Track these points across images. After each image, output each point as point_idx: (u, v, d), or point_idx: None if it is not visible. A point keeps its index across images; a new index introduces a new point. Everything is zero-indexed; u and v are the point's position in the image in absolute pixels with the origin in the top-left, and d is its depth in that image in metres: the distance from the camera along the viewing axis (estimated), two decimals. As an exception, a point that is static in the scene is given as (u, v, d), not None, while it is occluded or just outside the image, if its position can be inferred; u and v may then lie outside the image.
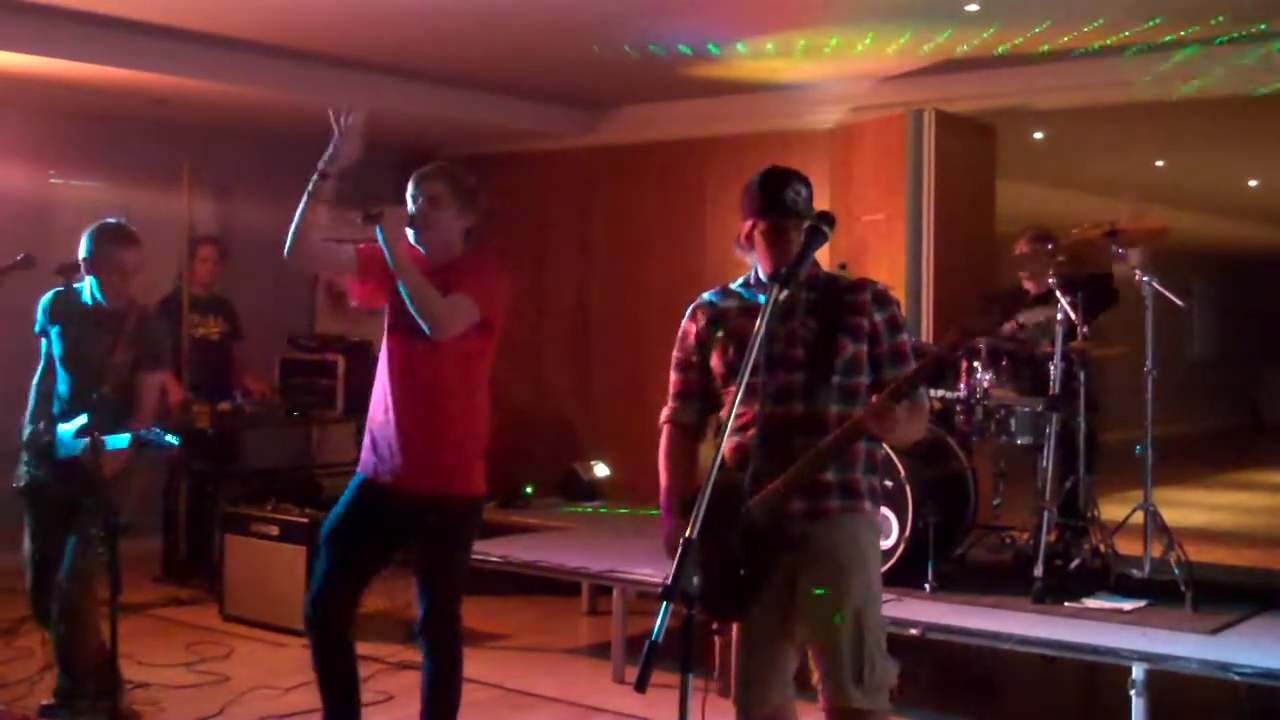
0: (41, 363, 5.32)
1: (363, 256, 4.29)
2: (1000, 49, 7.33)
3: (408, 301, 4.09)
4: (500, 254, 4.54)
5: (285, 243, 4.22)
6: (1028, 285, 6.68)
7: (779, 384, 3.45)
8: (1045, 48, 7.25)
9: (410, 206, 4.25)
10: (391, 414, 4.26)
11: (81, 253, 5.14)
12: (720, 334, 3.66)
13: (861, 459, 3.50)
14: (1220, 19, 6.55)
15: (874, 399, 3.30)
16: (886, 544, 5.75)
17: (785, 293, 3.19)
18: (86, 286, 5.18)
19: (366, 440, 4.37)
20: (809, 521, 3.44)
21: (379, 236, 4.07)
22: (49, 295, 5.31)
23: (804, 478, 3.37)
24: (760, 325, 3.07)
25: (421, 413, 4.24)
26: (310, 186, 4.19)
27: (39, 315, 5.31)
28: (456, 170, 4.41)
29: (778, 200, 3.48)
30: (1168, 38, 6.99)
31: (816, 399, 3.43)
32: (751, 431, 3.45)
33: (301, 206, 4.19)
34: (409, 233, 4.22)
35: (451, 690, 4.33)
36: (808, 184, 3.54)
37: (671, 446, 3.82)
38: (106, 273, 5.14)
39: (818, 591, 3.38)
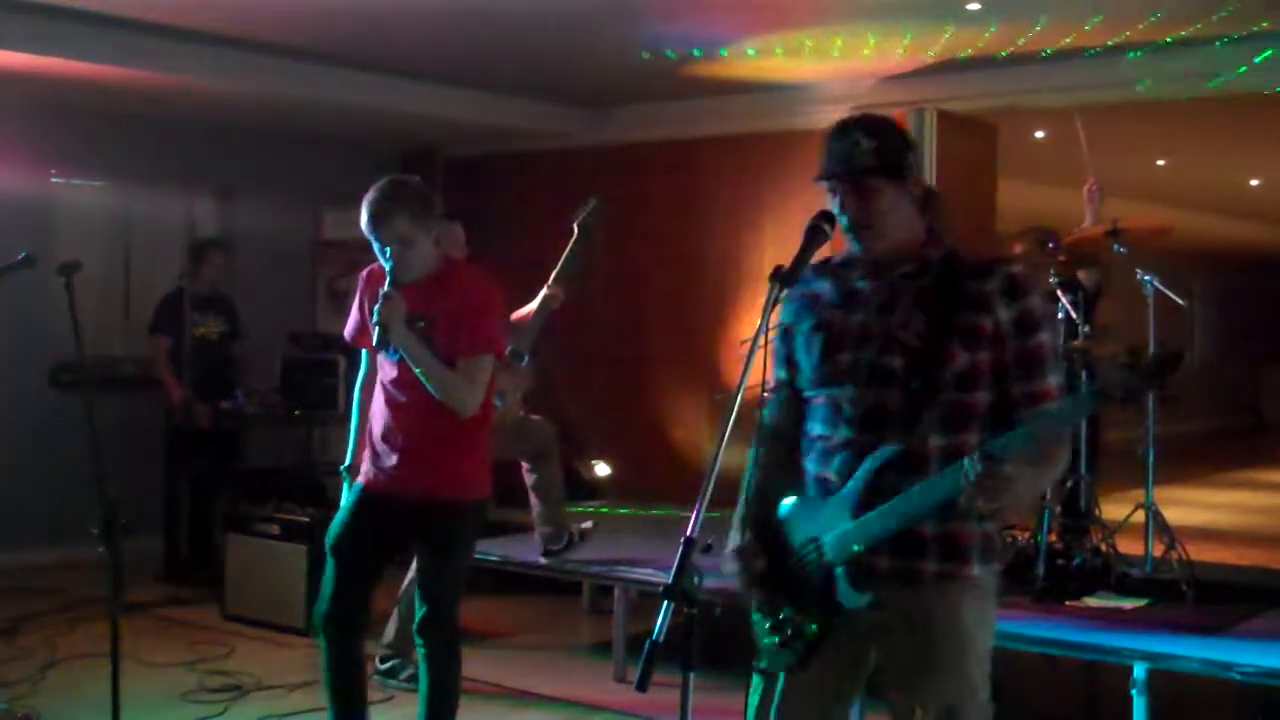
0: None
1: (365, 346, 4.41)
2: (1003, 52, 7.33)
3: (435, 393, 4.14)
4: (491, 256, 4.48)
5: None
6: None
7: (869, 403, 2.86)
8: (1049, 50, 7.25)
9: (380, 256, 4.15)
10: (394, 422, 4.27)
11: None
12: (807, 325, 3.05)
13: None
14: (1225, 13, 6.53)
15: (979, 466, 2.59)
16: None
17: (785, 291, 2.96)
18: None
19: (368, 449, 4.37)
20: (898, 585, 2.83)
21: (399, 352, 4.12)
22: None
23: (878, 536, 2.78)
24: (762, 324, 3.00)
25: (425, 420, 4.24)
26: None
27: None
28: (407, 192, 4.18)
29: (830, 156, 2.93)
30: (1169, 38, 6.99)
31: (915, 427, 2.78)
32: (836, 462, 2.90)
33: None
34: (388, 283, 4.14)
35: (451, 690, 4.34)
36: (875, 130, 2.90)
37: (752, 449, 3.08)
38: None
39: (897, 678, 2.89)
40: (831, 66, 7.93)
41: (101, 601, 5.29)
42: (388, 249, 4.13)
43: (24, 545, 8.09)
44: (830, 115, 8.94)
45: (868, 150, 2.87)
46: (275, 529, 6.86)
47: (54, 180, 8.71)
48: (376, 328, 4.07)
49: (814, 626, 2.88)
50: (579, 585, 7.31)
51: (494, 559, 6.61)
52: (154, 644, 6.45)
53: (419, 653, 4.34)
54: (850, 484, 2.84)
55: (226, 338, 8.35)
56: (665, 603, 2.62)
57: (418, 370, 4.12)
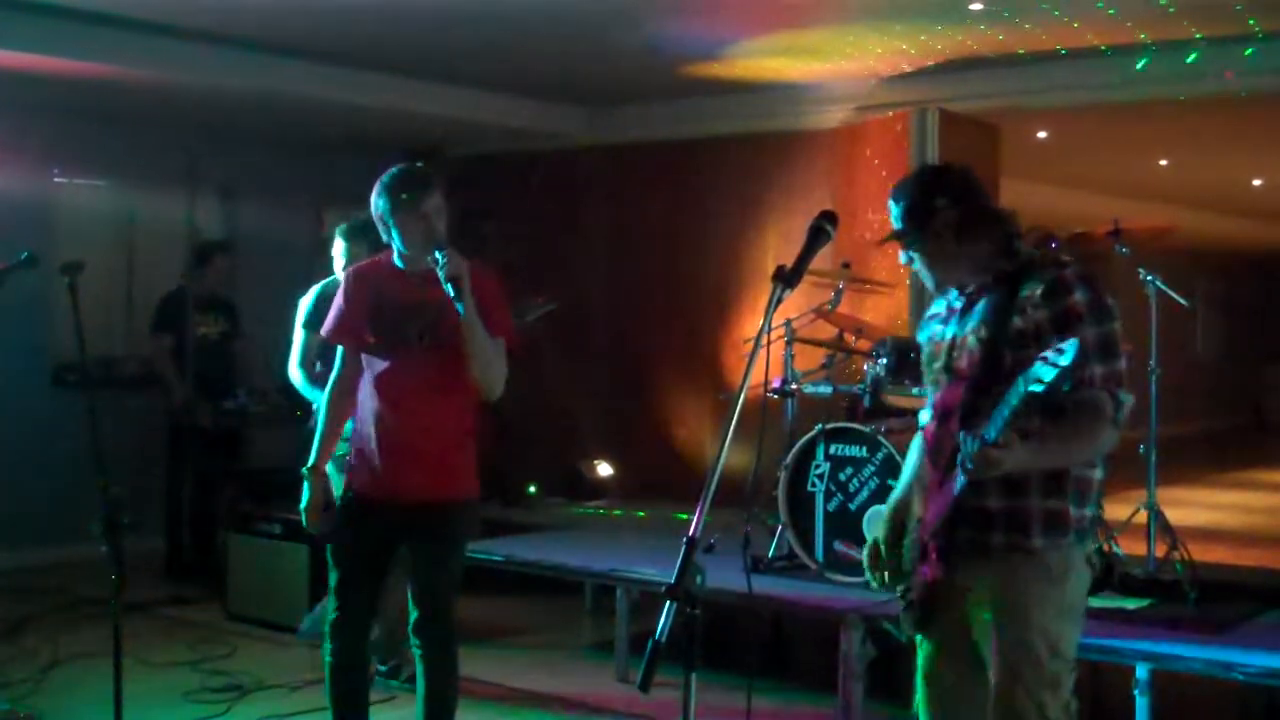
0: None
1: (351, 345, 4.31)
2: (1015, 51, 7.33)
3: (475, 367, 4.10)
4: (495, 256, 4.48)
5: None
6: None
7: (945, 401, 3.26)
8: (1062, 50, 7.25)
9: (418, 227, 4.14)
10: (388, 427, 4.23)
11: (349, 240, 5.51)
12: (923, 339, 3.48)
13: (1036, 481, 3.14)
14: (1233, 9, 6.54)
15: (972, 447, 3.00)
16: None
17: (787, 292, 3.03)
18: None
19: (353, 459, 4.32)
20: (975, 556, 3.19)
21: (458, 306, 4.01)
22: (315, 293, 5.69)
23: (941, 522, 3.18)
24: (764, 324, 3.03)
25: (418, 424, 4.22)
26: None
27: (308, 313, 5.67)
28: (431, 172, 4.31)
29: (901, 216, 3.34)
30: (1171, 37, 6.98)
31: (975, 417, 3.09)
32: (929, 450, 3.32)
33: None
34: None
35: (449, 689, 4.34)
36: (897, 197, 3.36)
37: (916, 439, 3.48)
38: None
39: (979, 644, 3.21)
40: (834, 66, 7.93)
41: (103, 601, 5.29)
42: (426, 219, 4.13)
43: (26, 544, 8.10)
44: (833, 115, 9.02)
45: (895, 217, 3.34)
46: (277, 528, 6.87)
47: (57, 180, 8.72)
48: (448, 284, 3.98)
49: (922, 590, 3.26)
50: (581, 585, 7.31)
51: (497, 558, 6.62)
52: (156, 644, 6.46)
53: (415, 653, 4.34)
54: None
55: (228, 337, 8.36)
56: (668, 603, 2.62)
57: (473, 343, 4.05)
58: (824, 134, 8.52)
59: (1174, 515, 5.89)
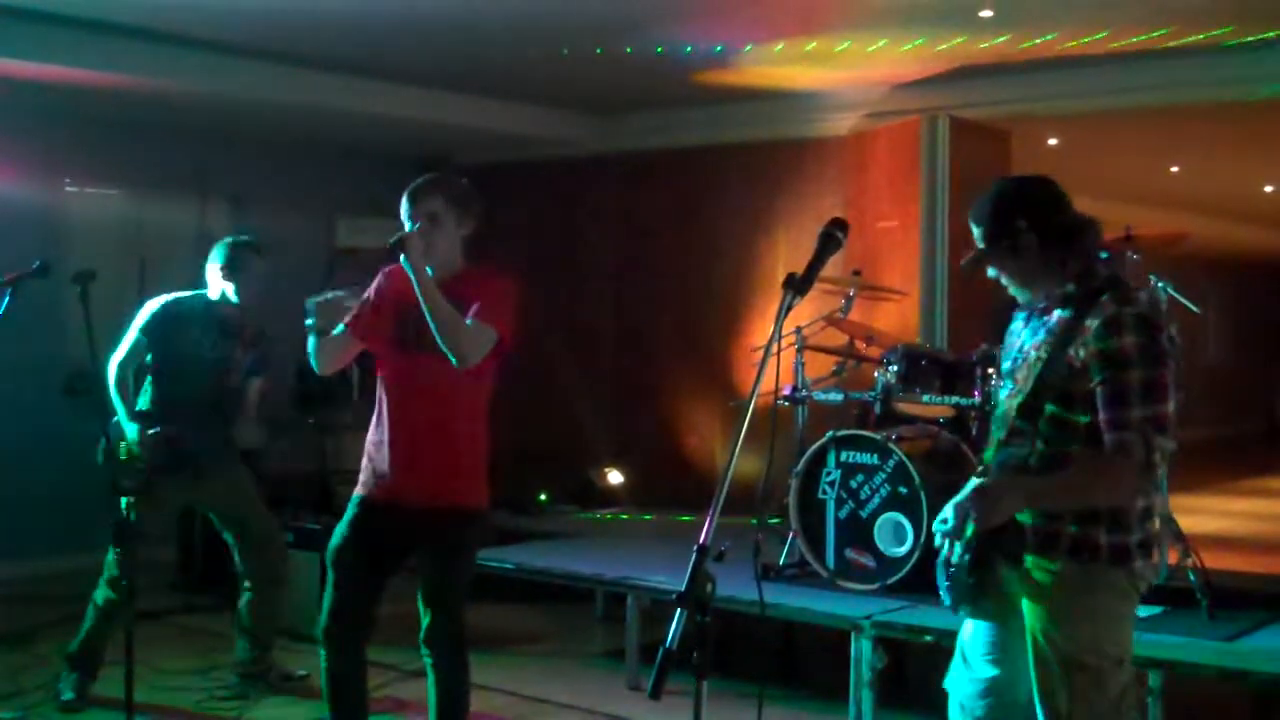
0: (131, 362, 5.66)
1: (358, 327, 4.32)
2: (1025, 58, 7.32)
3: (435, 331, 4.05)
4: (506, 264, 4.48)
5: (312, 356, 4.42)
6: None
7: (1005, 411, 3.33)
8: (1088, 44, 7.24)
9: (409, 227, 4.17)
10: (398, 431, 4.25)
11: (219, 261, 5.70)
12: (1010, 327, 3.53)
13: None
14: (1229, 29, 6.54)
15: (985, 482, 3.19)
16: (900, 550, 5.75)
17: (798, 299, 3.04)
18: (215, 292, 5.77)
19: (365, 461, 4.35)
20: (1012, 566, 3.29)
21: (405, 265, 4.02)
22: (164, 302, 5.75)
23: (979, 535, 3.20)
24: (775, 331, 3.03)
25: (428, 429, 4.22)
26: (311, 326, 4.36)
27: (147, 320, 5.68)
28: (451, 181, 4.37)
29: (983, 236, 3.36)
30: (1176, 42, 6.98)
31: (1025, 435, 3.24)
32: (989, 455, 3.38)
33: (311, 342, 4.37)
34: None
35: (461, 697, 4.33)
36: (978, 218, 3.38)
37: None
38: (244, 280, 5.73)
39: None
40: (844, 73, 7.93)
41: (116, 608, 5.32)
42: (416, 220, 4.17)
43: (37, 553, 8.11)
44: (844, 122, 9.03)
45: (978, 238, 3.37)
46: (289, 536, 6.86)
47: (68, 189, 8.74)
48: (392, 244, 4.01)
49: (972, 580, 3.29)
50: (592, 593, 7.31)
51: (508, 566, 6.62)
52: (167, 651, 6.46)
53: (426, 661, 4.32)
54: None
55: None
56: (678, 611, 2.62)
57: (425, 307, 4.03)
58: (834, 141, 8.52)
59: (1186, 522, 5.86)
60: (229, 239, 5.85)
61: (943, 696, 3.52)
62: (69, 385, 8.44)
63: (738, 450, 2.83)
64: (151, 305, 5.78)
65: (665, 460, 9.22)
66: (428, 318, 4.05)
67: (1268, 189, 12.85)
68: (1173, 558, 5.68)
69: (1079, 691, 3.18)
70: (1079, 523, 3.18)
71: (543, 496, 8.83)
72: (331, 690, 4.31)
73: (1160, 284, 5.86)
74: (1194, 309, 6.04)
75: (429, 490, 4.23)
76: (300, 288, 4.57)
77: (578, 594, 7.27)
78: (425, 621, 4.28)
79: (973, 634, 3.46)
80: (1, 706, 5.52)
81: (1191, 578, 5.48)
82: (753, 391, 3.01)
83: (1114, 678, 3.23)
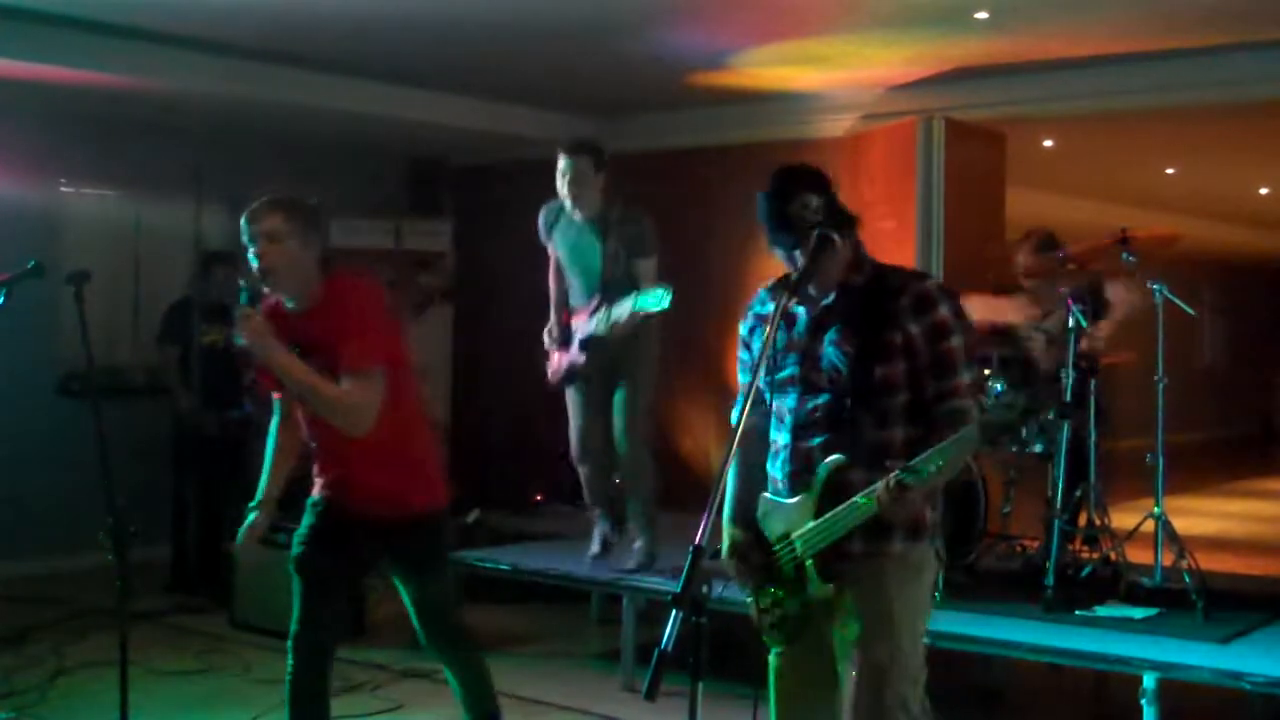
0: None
1: (265, 384, 4.24)
2: (1021, 60, 7.33)
3: (325, 415, 3.94)
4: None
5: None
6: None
7: (804, 411, 3.19)
8: (1082, 46, 7.25)
9: (250, 251, 4.06)
10: (327, 461, 4.16)
11: None
12: (744, 332, 3.47)
13: None
14: (1223, 31, 6.54)
15: (889, 483, 2.93)
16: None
17: (792, 300, 3.10)
18: None
19: (315, 468, 4.25)
20: (838, 563, 3.13)
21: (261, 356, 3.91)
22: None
23: (815, 548, 3.12)
24: (771, 333, 3.03)
25: (358, 457, 4.06)
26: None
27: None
28: (288, 199, 4.14)
29: (785, 219, 3.16)
30: (1171, 45, 6.99)
31: (843, 428, 3.11)
32: (779, 462, 3.25)
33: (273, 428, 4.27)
34: (263, 288, 4.04)
35: (482, 678, 4.31)
36: (819, 185, 3.26)
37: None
38: None
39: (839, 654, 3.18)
40: (840, 75, 7.94)
41: (109, 610, 5.30)
42: (255, 242, 4.03)
43: (32, 554, 8.10)
44: (839, 123, 9.01)
45: (817, 207, 3.23)
46: (283, 538, 6.84)
47: (63, 189, 8.73)
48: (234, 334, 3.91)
49: (795, 606, 3.23)
50: (587, 594, 7.30)
51: (503, 567, 6.61)
52: (162, 652, 6.45)
53: (438, 662, 4.29)
54: (812, 489, 3.13)
55: (233, 346, 8.34)
56: (674, 611, 2.62)
57: (292, 391, 3.96)
58: (830, 143, 8.52)
59: (1181, 524, 5.86)
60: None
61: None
62: (63, 385, 8.48)
63: (733, 451, 2.83)
64: None
65: (660, 461, 9.19)
66: (304, 401, 3.95)
67: (1263, 191, 12.87)
68: (1168, 560, 5.68)
69: (903, 691, 3.16)
70: None
71: (538, 497, 8.82)
72: (293, 701, 4.14)
73: (1156, 286, 5.86)
74: (1189, 311, 6.04)
75: (379, 506, 4.11)
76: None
77: (573, 595, 7.26)
78: (420, 632, 4.25)
79: (782, 668, 3.41)
80: (-3, 707, 5.53)
81: (1187, 579, 5.48)
82: (746, 394, 3.01)
83: (924, 677, 3.23)
